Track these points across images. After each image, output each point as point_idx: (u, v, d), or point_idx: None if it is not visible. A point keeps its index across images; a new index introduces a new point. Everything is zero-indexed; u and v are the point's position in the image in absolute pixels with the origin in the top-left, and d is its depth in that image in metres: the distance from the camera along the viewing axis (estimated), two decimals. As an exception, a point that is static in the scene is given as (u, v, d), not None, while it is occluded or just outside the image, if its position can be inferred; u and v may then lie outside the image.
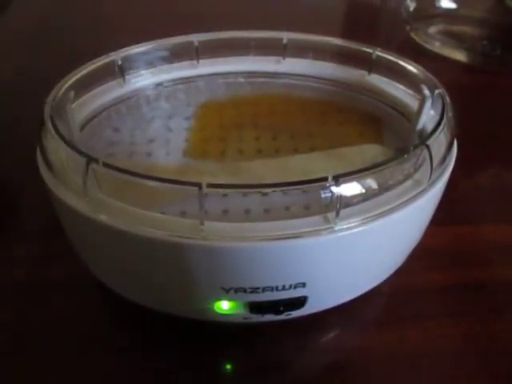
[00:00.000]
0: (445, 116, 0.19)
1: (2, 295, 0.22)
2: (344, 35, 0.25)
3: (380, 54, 0.24)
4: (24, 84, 0.36)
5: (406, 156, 0.17)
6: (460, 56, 0.42)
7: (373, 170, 0.16)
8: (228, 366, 0.20)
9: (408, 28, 0.47)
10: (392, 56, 0.24)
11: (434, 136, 0.18)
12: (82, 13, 0.48)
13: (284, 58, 0.26)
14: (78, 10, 0.49)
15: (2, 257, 0.24)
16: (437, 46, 0.44)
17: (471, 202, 0.29)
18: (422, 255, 0.22)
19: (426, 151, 0.18)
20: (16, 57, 0.40)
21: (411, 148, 0.17)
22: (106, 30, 0.45)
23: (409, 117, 0.23)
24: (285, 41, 0.25)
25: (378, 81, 0.24)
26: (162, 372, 0.20)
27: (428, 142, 0.18)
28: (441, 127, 0.19)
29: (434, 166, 0.18)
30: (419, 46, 0.44)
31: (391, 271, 0.21)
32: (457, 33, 0.45)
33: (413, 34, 0.46)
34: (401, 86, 0.24)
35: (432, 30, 0.45)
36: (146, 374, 0.20)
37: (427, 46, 0.44)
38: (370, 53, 0.24)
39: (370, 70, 0.24)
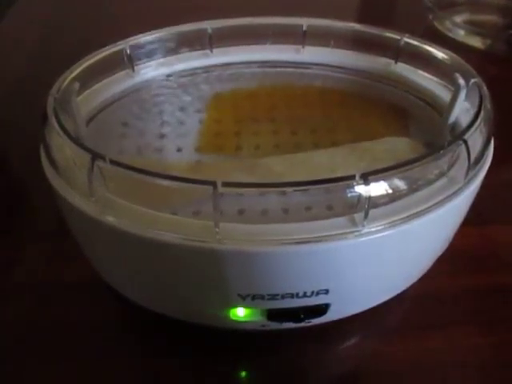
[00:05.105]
0: (482, 108, 0.18)
1: (12, 295, 0.22)
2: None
3: (408, 40, 0.23)
4: (27, 82, 0.36)
5: (441, 152, 0.16)
6: (484, 45, 0.42)
7: (405, 167, 0.15)
8: (243, 374, 0.20)
9: (431, 17, 0.46)
10: (422, 43, 0.22)
11: (472, 130, 0.17)
12: (86, 10, 0.48)
13: (304, 47, 0.25)
14: (83, 7, 0.48)
15: (13, 257, 0.24)
16: (461, 35, 0.43)
17: (500, 200, 0.27)
18: (448, 258, 0.21)
19: (463, 146, 0.16)
20: (18, 56, 0.40)
21: (446, 143, 0.16)
22: (114, 24, 0.44)
23: (439, 109, 0.22)
24: (305, 27, 0.24)
25: (406, 70, 0.23)
26: (174, 378, 0.19)
27: (465, 137, 0.17)
28: (478, 120, 0.17)
29: (471, 163, 0.17)
30: (442, 35, 0.44)
31: (419, 276, 0.20)
32: (481, 22, 0.45)
33: (436, 23, 0.45)
34: (430, 76, 0.23)
35: (456, 18, 0.44)
36: (157, 378, 0.19)
37: (451, 34, 0.44)
38: (398, 39, 0.23)
39: (396, 59, 0.23)
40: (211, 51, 0.25)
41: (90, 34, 0.40)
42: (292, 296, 0.16)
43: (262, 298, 0.16)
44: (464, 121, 0.19)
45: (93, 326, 0.21)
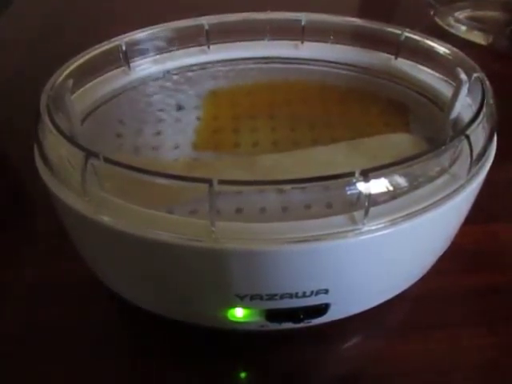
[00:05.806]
0: (485, 103, 0.18)
1: (12, 295, 0.22)
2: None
3: (409, 35, 0.22)
4: (26, 82, 0.35)
5: (443, 147, 0.16)
6: (486, 41, 0.41)
7: (406, 164, 0.15)
8: (242, 375, 0.20)
9: (432, 12, 0.46)
10: (423, 38, 0.22)
11: (474, 125, 0.17)
12: (85, 9, 0.47)
13: (302, 42, 0.25)
14: (82, 7, 0.48)
15: (13, 257, 0.24)
16: (463, 31, 0.43)
17: (504, 197, 0.27)
18: (452, 256, 0.20)
19: (465, 142, 0.16)
20: (17, 56, 0.40)
21: (448, 139, 0.16)
22: (113, 24, 0.43)
23: (441, 104, 0.21)
24: (303, 23, 0.24)
25: (406, 65, 0.23)
26: (174, 378, 0.19)
27: (468, 132, 0.16)
28: (481, 115, 0.17)
29: (473, 159, 0.16)
30: (443, 31, 0.43)
31: (420, 275, 0.20)
32: (483, 18, 0.44)
33: (437, 19, 0.45)
34: (431, 71, 0.22)
35: (458, 14, 0.44)
36: (157, 378, 0.19)
37: (452, 30, 0.43)
38: (398, 34, 0.22)
39: (397, 54, 0.23)
40: (208, 47, 0.24)
41: (88, 34, 0.40)
42: (291, 296, 0.16)
43: (261, 298, 0.16)
44: (466, 116, 0.19)
45: (92, 326, 0.20)
